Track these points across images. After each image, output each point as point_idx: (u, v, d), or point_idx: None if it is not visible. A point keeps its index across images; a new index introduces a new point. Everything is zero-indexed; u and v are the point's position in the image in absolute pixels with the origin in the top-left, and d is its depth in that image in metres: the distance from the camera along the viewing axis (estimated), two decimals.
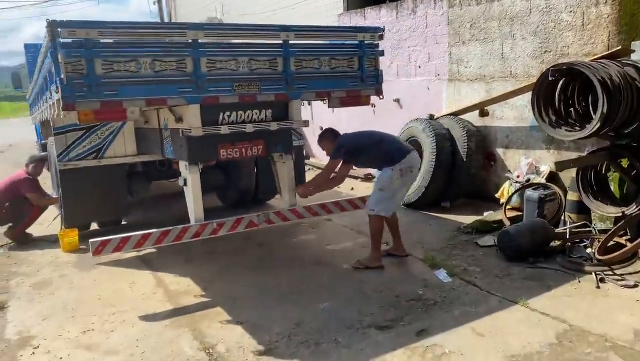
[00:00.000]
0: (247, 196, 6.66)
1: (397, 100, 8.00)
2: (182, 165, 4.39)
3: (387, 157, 4.41)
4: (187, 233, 4.23)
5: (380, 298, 3.98)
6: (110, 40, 3.81)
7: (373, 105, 8.36)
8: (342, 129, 9.15)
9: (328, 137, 4.74)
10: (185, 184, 4.38)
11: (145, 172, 6.10)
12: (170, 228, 4.20)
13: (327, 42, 4.79)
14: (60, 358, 3.35)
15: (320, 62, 4.58)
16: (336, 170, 4.64)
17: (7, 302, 4.29)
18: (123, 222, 6.40)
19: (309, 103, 9.92)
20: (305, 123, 4.69)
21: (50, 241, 5.86)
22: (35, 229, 6.15)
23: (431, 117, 6.74)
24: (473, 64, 6.50)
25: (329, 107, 4.92)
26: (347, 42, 4.77)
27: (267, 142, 4.51)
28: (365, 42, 4.77)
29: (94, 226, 6.09)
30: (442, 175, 6.23)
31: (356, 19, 8.68)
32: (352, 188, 7.74)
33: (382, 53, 4.93)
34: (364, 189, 7.60)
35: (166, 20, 20.18)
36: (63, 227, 5.58)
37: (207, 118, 4.16)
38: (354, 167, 8.75)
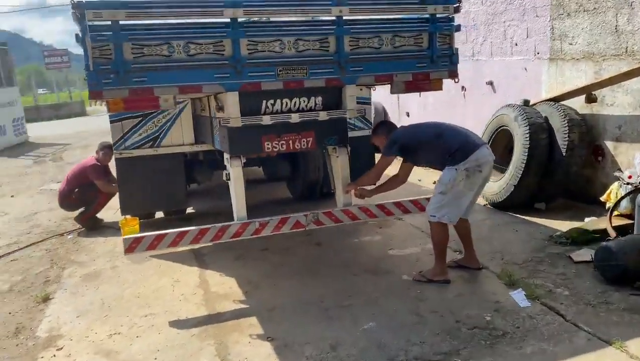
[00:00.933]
0: (315, 188, 6.21)
1: (491, 83, 7.07)
2: (226, 159, 4.02)
3: (449, 154, 3.69)
4: (227, 233, 3.87)
5: (436, 322, 3.34)
6: (140, 22, 3.50)
7: (464, 89, 7.59)
8: (428, 116, 8.37)
9: (382, 131, 4.13)
10: (228, 179, 4.02)
11: (209, 161, 5.87)
12: (209, 226, 3.87)
13: (390, 16, 4.13)
14: None
15: (381, 40, 3.96)
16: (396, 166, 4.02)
17: (54, 293, 4.25)
18: (190, 210, 6.28)
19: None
20: (360, 112, 4.10)
21: (116, 228, 5.83)
22: (107, 215, 6.21)
23: (526, 103, 5.79)
24: (579, 40, 5.44)
25: (391, 92, 4.27)
26: (415, 17, 4.08)
27: (318, 133, 4.00)
28: (437, 15, 4.04)
29: (160, 214, 6.02)
30: (536, 171, 5.32)
31: None
32: (434, 182, 6.97)
33: (458, 28, 4.16)
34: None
35: None
36: (124, 215, 5.52)
37: (248, 107, 3.74)
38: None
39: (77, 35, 3.43)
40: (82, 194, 5.92)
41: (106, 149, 6.07)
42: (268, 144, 3.92)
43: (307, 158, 5.97)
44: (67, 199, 5.99)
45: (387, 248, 4.72)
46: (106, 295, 4.14)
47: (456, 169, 3.64)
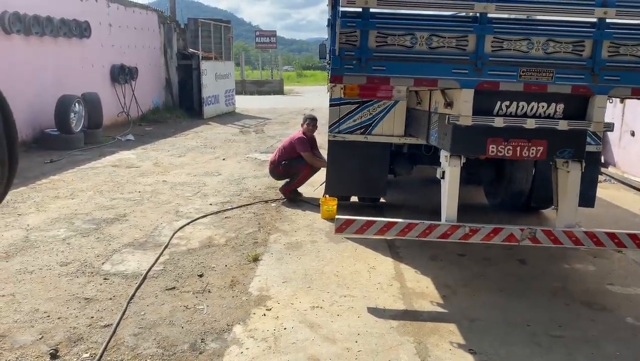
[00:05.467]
0: (518, 200, 5.80)
1: None
2: (443, 156, 3.92)
3: None
4: (434, 232, 3.77)
5: None
6: (389, 11, 3.53)
7: None
8: None
9: None
10: (442, 177, 3.91)
11: (411, 155, 5.83)
12: (417, 222, 3.80)
13: None
14: (285, 328, 3.36)
15: None
16: None
17: (262, 255, 4.60)
18: (382, 200, 6.33)
19: (621, 101, 8.17)
20: (609, 127, 3.64)
21: (313, 204, 6.15)
22: (306, 190, 6.57)
23: None
24: None
25: None
26: None
27: (551, 143, 3.67)
28: None
29: (354, 199, 6.17)
30: None
31: None
32: None
33: None
34: None
35: None
36: (325, 194, 5.76)
37: (480, 107, 3.56)
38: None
39: (328, 20, 3.59)
40: (288, 167, 6.34)
41: (309, 120, 6.41)
42: (493, 147, 3.71)
43: (517, 165, 5.58)
44: (275, 169, 6.47)
45: (605, 283, 4.19)
46: (308, 267, 4.36)
47: None
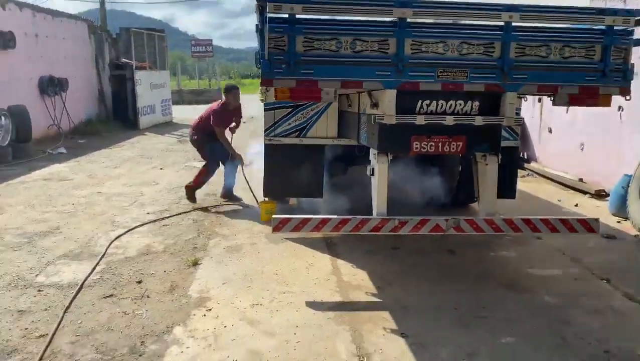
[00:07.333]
0: (446, 196, 6.11)
1: None
2: (372, 154, 4.12)
3: None
4: (366, 226, 3.96)
5: (582, 348, 3.16)
6: (314, 17, 3.70)
7: (620, 109, 7.00)
8: (575, 135, 7.85)
9: None
10: (372, 174, 4.11)
11: (345, 156, 6.03)
12: (350, 217, 3.98)
13: (562, 25, 3.95)
14: (225, 326, 3.43)
15: (549, 49, 3.81)
16: None
17: (202, 259, 4.64)
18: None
19: (539, 100, 8.78)
20: (518, 121, 3.96)
21: (253, 209, 6.22)
22: (245, 194, 6.60)
23: None
24: None
25: (553, 104, 4.09)
26: (588, 27, 3.86)
27: (470, 138, 3.95)
28: (615, 27, 3.79)
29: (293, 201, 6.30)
30: None
31: (614, 2, 7.23)
32: (576, 205, 6.56)
33: (638, 42, 3.88)
34: (592, 208, 6.39)
35: None
36: (264, 197, 5.85)
37: (403, 106, 3.79)
38: (583, 180, 7.44)
39: (256, 25, 3.71)
40: (200, 144, 6.70)
41: (229, 88, 6.72)
42: (417, 144, 3.95)
43: (443, 162, 5.90)
44: (192, 136, 6.80)
45: (526, 266, 4.52)
46: (248, 268, 4.44)
47: None
